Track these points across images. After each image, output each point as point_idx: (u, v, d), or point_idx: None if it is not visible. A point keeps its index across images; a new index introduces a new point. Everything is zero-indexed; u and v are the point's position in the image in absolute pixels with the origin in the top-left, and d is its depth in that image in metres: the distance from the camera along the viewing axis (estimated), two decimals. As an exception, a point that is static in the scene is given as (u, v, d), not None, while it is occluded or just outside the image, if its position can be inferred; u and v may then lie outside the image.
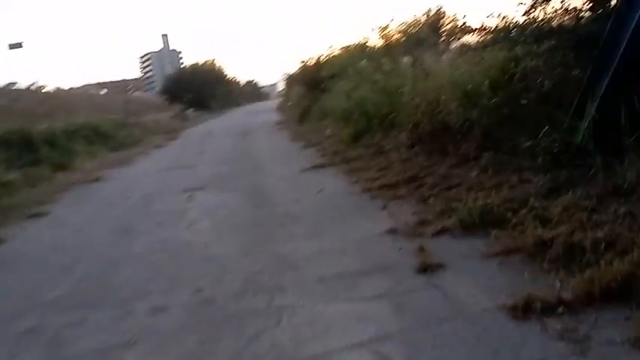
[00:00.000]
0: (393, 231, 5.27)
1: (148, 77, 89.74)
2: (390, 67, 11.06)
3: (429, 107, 7.91)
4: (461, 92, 7.22)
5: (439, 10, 25.27)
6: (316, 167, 9.82)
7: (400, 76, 10.50)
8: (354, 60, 13.52)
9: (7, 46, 57.78)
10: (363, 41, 17.35)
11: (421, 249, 4.63)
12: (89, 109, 29.76)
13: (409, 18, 22.53)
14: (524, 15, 6.23)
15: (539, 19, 6.17)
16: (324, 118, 17.68)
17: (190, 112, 36.25)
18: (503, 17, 6.38)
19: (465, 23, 11.19)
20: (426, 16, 25.60)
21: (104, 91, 48.20)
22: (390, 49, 14.08)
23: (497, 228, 4.72)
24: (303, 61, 21.18)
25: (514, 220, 4.74)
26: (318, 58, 20.81)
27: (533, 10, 6.11)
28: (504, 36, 6.32)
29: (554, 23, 5.99)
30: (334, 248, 5.04)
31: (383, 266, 4.43)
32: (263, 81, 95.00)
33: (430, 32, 25.20)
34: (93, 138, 19.24)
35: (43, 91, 44.55)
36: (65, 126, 18.78)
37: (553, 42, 5.76)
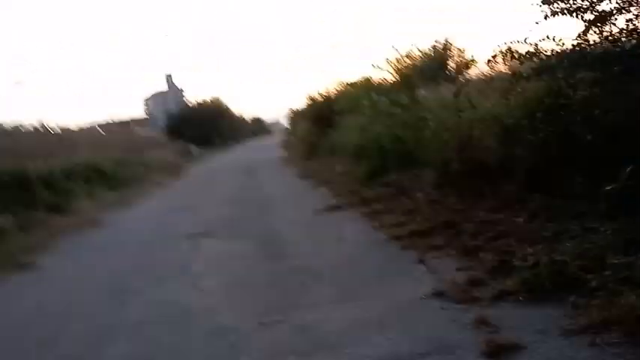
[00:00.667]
0: (439, 294, 4.34)
1: (150, 115, 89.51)
2: (408, 101, 10.26)
3: (459, 143, 7.04)
4: (499, 126, 6.35)
5: (447, 42, 24.77)
6: (331, 209, 8.93)
7: (420, 109, 9.67)
8: (364, 94, 12.73)
9: (10, 83, 57.67)
10: (370, 76, 16.67)
11: (482, 321, 3.70)
12: (92, 147, 29.08)
13: (413, 50, 21.92)
14: (577, 38, 5.38)
15: (595, 41, 5.32)
16: (333, 154, 16.85)
17: (194, 148, 35.51)
18: (553, 40, 5.50)
19: (472, 56, 10.55)
20: (433, 48, 25.04)
21: (103, 129, 47.64)
22: (400, 82, 13.34)
23: (573, 293, 3.80)
24: (310, 97, 20.54)
25: (594, 283, 3.82)
26: (325, 93, 20.10)
27: (588, 31, 5.26)
28: (554, 63, 5.45)
29: (617, 45, 5.14)
30: (372, 318, 4.09)
31: (440, 346, 3.47)
32: (266, 116, 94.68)
33: (437, 65, 24.58)
34: (93, 177, 18.35)
35: (45, 129, 44.26)
36: (63, 165, 17.98)
37: (616, 68, 4.91)
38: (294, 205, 10.08)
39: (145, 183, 18.99)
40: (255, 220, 9.04)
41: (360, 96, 12.96)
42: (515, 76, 6.29)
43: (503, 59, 6.48)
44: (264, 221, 8.85)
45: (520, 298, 3.99)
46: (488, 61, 6.51)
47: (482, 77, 10.52)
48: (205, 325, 4.48)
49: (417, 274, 4.98)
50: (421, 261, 5.31)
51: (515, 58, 6.29)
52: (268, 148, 32.03)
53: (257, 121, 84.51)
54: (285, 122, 78.24)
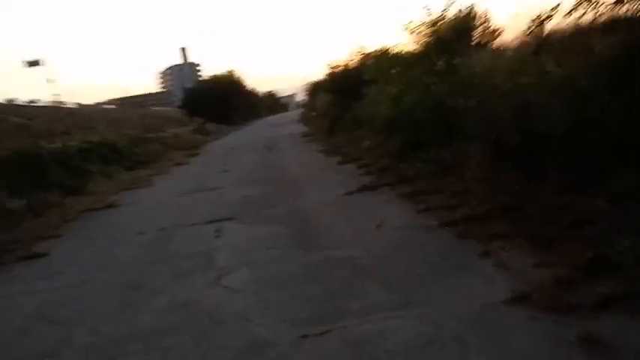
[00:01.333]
0: (522, 298, 3.51)
1: (167, 91, 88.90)
2: (446, 67, 9.32)
3: (516, 112, 6.12)
4: (569, 90, 5.42)
5: (471, 8, 23.49)
6: (365, 189, 8.09)
7: (461, 76, 8.73)
8: (395, 62, 11.76)
9: (25, 64, 57.16)
10: (394, 44, 15.64)
11: (592, 340, 2.87)
12: (108, 125, 28.46)
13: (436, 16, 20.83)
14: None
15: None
16: (358, 128, 15.96)
17: (211, 125, 34.79)
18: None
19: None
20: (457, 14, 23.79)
21: (119, 105, 47.11)
22: (430, 49, 12.33)
23: None
24: (331, 66, 19.53)
25: None
26: (349, 62, 19.10)
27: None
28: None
29: None
30: (443, 333, 3.28)
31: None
32: (281, 91, 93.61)
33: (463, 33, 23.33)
34: (109, 156, 17.71)
35: (60, 105, 43.61)
36: (79, 144, 17.33)
37: None
38: (322, 184, 9.25)
39: (163, 161, 18.32)
40: (282, 202, 8.24)
41: (389, 64, 11.98)
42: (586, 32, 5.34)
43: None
44: (292, 203, 8.05)
45: (632, 306, 3.15)
46: (569, 11, 5.58)
47: (522, 41, 9.52)
48: (236, 337, 3.70)
49: (484, 271, 4.15)
50: (486, 253, 4.48)
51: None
52: (286, 124, 31.18)
53: (272, 96, 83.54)
54: (300, 96, 77.30)
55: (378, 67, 13.48)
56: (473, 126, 7.47)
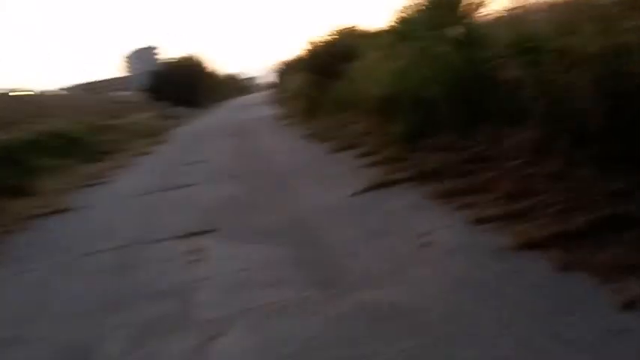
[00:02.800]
0: None
1: (129, 76, 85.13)
2: (463, 35, 7.62)
3: (603, 85, 4.43)
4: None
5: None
6: (377, 187, 6.34)
7: (486, 45, 7.05)
8: (401, 31, 9.96)
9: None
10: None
11: None
12: (66, 112, 25.99)
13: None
14: None
15: None
16: (344, 110, 14.17)
17: (176, 109, 32.49)
18: None
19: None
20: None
21: (79, 92, 44.14)
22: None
23: None
24: (310, 43, 17.63)
25: None
26: (331, 38, 17.20)
27: None
28: None
29: None
30: None
31: None
32: (248, 73, 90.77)
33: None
34: (64, 148, 15.57)
35: (15, 95, 40.47)
36: (28, 135, 15.15)
37: None
38: (320, 179, 7.48)
39: (126, 151, 16.23)
40: (273, 206, 6.46)
41: (390, 35, 10.17)
42: None
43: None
44: (287, 207, 6.26)
45: None
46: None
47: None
48: None
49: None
50: (628, 304, 2.78)
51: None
52: (257, 106, 29.14)
53: (237, 78, 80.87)
54: (268, 77, 74.85)
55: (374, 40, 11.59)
56: (508, 104, 5.79)
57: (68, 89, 46.34)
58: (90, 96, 47.53)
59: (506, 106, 6.29)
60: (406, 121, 8.47)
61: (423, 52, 8.27)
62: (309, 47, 18.37)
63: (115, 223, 7.14)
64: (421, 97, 8.28)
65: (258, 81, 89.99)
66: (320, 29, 17.64)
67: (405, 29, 9.24)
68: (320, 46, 17.79)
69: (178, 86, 39.33)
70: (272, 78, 44.14)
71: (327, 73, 16.62)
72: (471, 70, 7.26)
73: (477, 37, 7.48)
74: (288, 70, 32.32)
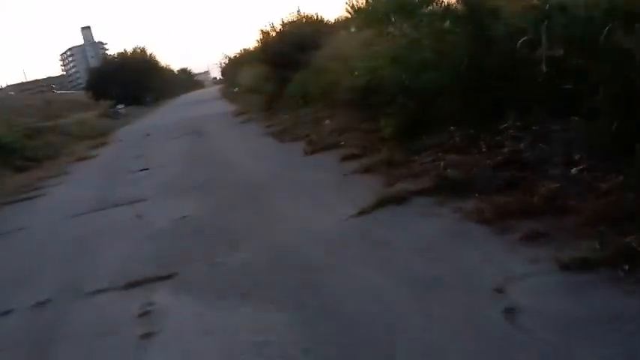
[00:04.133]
0: None
1: (72, 74, 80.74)
2: (466, 11, 6.14)
3: None
4: None
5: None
6: (388, 202, 4.75)
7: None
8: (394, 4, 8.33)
9: None
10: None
11: None
12: (3, 112, 23.30)
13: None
14: None
15: None
16: (306, 103, 12.56)
17: (121, 108, 30.03)
18: None
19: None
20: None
21: (12, 92, 40.82)
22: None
23: None
24: (264, 33, 15.80)
25: None
26: (284, 27, 15.49)
27: None
28: None
29: None
30: None
31: None
32: (196, 69, 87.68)
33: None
34: (-10, 155, 13.36)
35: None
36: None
37: None
38: (302, 192, 5.82)
39: (63, 157, 14.14)
40: (248, 233, 4.78)
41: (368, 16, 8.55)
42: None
43: None
44: (266, 235, 4.62)
45: None
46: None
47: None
48: None
49: None
50: None
51: None
52: (209, 102, 27.11)
53: (186, 73, 77.90)
54: (216, 73, 72.16)
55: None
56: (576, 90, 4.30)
57: (5, 88, 42.86)
58: (31, 96, 44.07)
59: (543, 92, 4.83)
60: (398, 114, 6.93)
61: (418, 30, 6.72)
62: (262, 37, 16.64)
63: (36, 262, 5.32)
64: (417, 84, 6.75)
65: (208, 76, 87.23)
66: (271, 20, 15.85)
67: (391, 5, 7.64)
68: (274, 35, 16.08)
69: (125, 82, 36.71)
70: (223, 72, 42.01)
71: (283, 64, 14.98)
72: (488, 49, 5.78)
73: (491, 8, 5.99)
74: (239, 63, 30.43)
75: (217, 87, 44.59)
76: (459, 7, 6.33)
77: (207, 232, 5.11)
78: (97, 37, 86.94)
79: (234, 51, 38.79)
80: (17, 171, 12.51)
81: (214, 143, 11.36)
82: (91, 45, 76.66)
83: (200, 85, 77.52)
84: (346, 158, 6.89)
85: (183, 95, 50.43)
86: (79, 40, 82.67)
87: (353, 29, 8.90)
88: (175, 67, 69.77)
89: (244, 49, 29.64)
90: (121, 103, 31.29)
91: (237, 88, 25.27)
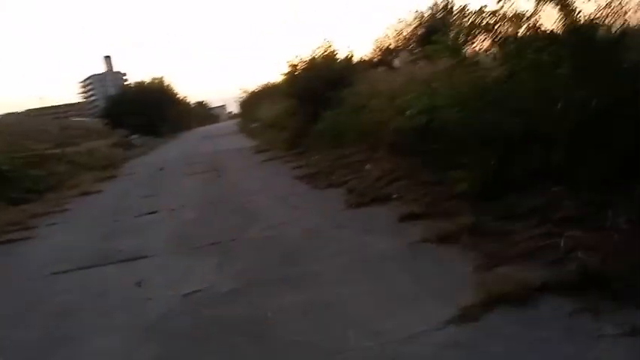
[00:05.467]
0: None
1: (91, 102, 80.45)
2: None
3: None
4: None
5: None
6: (502, 302, 3.16)
7: None
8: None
9: None
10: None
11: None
12: (14, 138, 22.06)
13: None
14: None
15: None
16: (341, 142, 11.05)
17: (135, 137, 28.77)
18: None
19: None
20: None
21: (34, 116, 39.83)
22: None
23: None
24: (291, 65, 14.43)
25: None
26: (315, 59, 14.12)
27: None
28: None
29: None
30: None
31: None
32: (212, 102, 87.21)
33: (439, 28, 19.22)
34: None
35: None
36: None
37: None
38: (358, 269, 4.24)
39: (65, 189, 12.65)
40: (297, 350, 3.21)
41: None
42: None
43: None
44: (333, 348, 3.05)
45: None
46: None
47: None
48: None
49: None
50: None
51: None
52: (226, 136, 25.78)
53: (203, 106, 77.31)
54: (232, 107, 71.43)
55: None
56: None
57: (18, 114, 41.95)
58: (49, 121, 43.05)
59: None
60: (476, 165, 5.38)
61: (515, 61, 5.22)
62: (290, 71, 15.23)
63: (13, 341, 3.76)
64: (499, 128, 5.23)
65: (224, 110, 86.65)
66: (291, 57, 14.56)
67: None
68: (303, 69, 14.70)
69: (142, 112, 35.63)
70: (240, 106, 40.93)
71: (312, 99, 13.57)
72: (614, 86, 4.26)
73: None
74: (259, 97, 29.24)
75: (234, 121, 43.48)
76: (567, 36, 4.84)
77: (230, 327, 3.53)
78: (117, 67, 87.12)
79: (252, 86, 37.74)
80: (12, 204, 11.01)
81: (234, 184, 9.84)
82: (111, 74, 76.61)
83: (216, 118, 76.84)
84: (406, 218, 5.33)
85: (200, 128, 49.34)
86: (100, 69, 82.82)
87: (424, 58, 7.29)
88: (192, 99, 68.93)
89: (267, 83, 28.55)
90: (136, 133, 30.05)
91: (256, 123, 23.94)
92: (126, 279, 4.92)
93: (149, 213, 8.09)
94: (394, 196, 6.28)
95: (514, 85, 5.19)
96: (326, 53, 14.20)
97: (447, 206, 5.34)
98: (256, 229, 6.10)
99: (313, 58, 14.14)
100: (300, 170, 9.80)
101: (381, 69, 14.67)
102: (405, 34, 17.87)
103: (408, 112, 7.27)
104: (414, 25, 17.97)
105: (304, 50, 17.17)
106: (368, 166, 8.38)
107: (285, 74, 15.14)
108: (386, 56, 18.02)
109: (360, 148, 9.84)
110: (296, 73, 14.43)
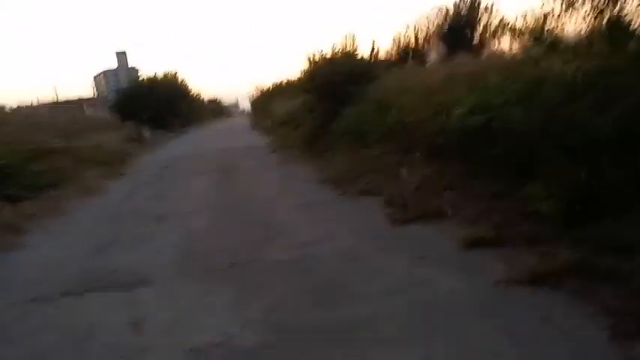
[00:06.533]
0: None
1: (105, 96, 79.37)
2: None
3: None
4: None
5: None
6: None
7: None
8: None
9: None
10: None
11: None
12: (24, 130, 20.99)
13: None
14: None
15: None
16: (362, 142, 9.85)
17: (147, 132, 27.66)
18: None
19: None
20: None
21: (48, 109, 38.71)
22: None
23: None
24: (311, 60, 13.22)
25: None
26: (336, 54, 12.92)
27: None
28: None
29: None
30: None
31: None
32: (225, 98, 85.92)
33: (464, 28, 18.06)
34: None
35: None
36: None
37: None
38: (429, 325, 3.10)
39: (68, 186, 11.48)
40: None
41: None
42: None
43: None
44: None
45: None
46: None
47: None
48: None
49: None
50: None
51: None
52: (238, 133, 24.58)
53: (215, 102, 76.10)
54: (244, 104, 70.25)
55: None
56: None
57: (31, 106, 40.91)
58: (61, 114, 41.98)
59: None
60: (562, 180, 4.17)
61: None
62: (309, 65, 14.01)
63: None
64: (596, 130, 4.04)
65: (237, 106, 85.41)
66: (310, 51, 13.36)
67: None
68: (323, 63, 13.48)
69: (154, 106, 34.54)
70: (255, 102, 39.77)
71: (334, 94, 12.38)
72: None
73: None
74: (273, 94, 28.08)
75: (246, 118, 42.29)
76: None
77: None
78: (131, 63, 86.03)
79: (266, 82, 36.66)
80: (7, 201, 9.90)
81: (249, 187, 8.66)
82: (124, 69, 75.43)
83: (228, 114, 75.68)
84: (473, 243, 4.14)
85: (212, 124, 48.16)
86: (113, 64, 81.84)
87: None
88: (205, 95, 67.61)
89: (282, 80, 27.38)
90: (147, 127, 28.93)
91: (270, 120, 22.77)
92: (118, 315, 3.77)
93: (154, 219, 6.95)
94: (448, 211, 5.10)
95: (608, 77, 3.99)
96: (348, 48, 13.00)
97: (522, 230, 4.16)
98: (279, 246, 4.94)
99: (335, 52, 12.93)
100: (322, 173, 8.62)
101: (409, 64, 13.45)
102: (428, 31, 16.65)
103: (457, 111, 6.07)
104: (438, 22, 16.73)
105: (324, 45, 16.03)
106: (404, 171, 7.19)
107: (305, 69, 13.93)
108: (408, 52, 16.80)
109: (389, 149, 8.65)
110: (316, 67, 13.21)
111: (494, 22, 16.61)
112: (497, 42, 16.00)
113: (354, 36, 13.23)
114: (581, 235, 3.74)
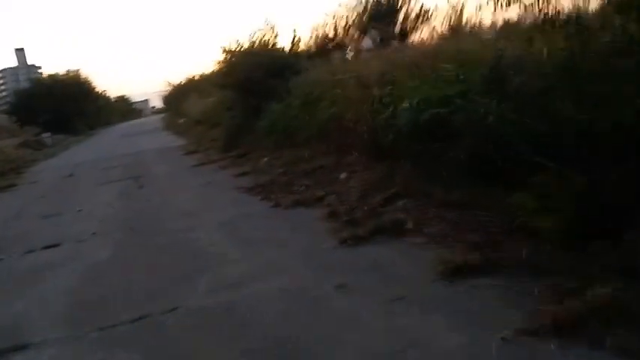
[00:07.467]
0: None
1: (2, 97, 72.90)
2: None
3: None
4: None
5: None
6: None
7: None
8: None
9: None
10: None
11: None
12: None
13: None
14: None
15: None
16: (294, 141, 8.77)
17: (47, 136, 24.99)
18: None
19: None
20: None
21: None
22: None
23: None
24: (227, 51, 11.84)
25: None
26: (252, 43, 11.67)
27: None
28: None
29: None
30: None
31: None
32: (134, 97, 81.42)
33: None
34: None
35: None
36: None
37: None
38: None
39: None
40: None
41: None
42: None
43: None
44: None
45: None
46: None
47: None
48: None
49: None
50: None
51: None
52: (150, 133, 22.68)
53: (124, 101, 71.94)
54: (155, 101, 66.79)
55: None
56: None
57: None
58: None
59: None
60: (565, 192, 3.29)
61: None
62: (225, 58, 12.67)
63: None
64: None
65: (147, 104, 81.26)
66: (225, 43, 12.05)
67: None
68: (241, 57, 12.22)
69: (55, 108, 31.58)
70: (165, 101, 37.51)
71: (254, 89, 11.18)
72: None
73: None
74: (186, 90, 26.34)
75: (158, 116, 39.95)
76: None
77: None
78: (31, 61, 79.82)
79: (178, 78, 34.54)
80: None
81: (162, 198, 7.34)
82: (24, 68, 69.62)
83: (139, 113, 71.84)
84: (456, 271, 3.18)
85: (121, 124, 45.10)
86: (12, 62, 75.43)
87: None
88: (113, 93, 63.54)
89: (195, 75, 25.68)
90: (49, 131, 26.25)
91: (183, 119, 21.13)
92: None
93: (45, 247, 5.52)
94: (408, 226, 4.13)
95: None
96: (267, 38, 11.83)
97: (512, 251, 3.26)
98: (202, 285, 3.77)
99: (252, 43, 11.72)
100: (245, 179, 7.46)
101: (338, 55, 12.48)
102: (348, 20, 15.76)
103: (405, 104, 5.12)
104: (358, 11, 15.88)
105: (241, 36, 14.79)
106: (343, 175, 6.19)
107: (220, 62, 12.58)
108: (328, 43, 15.87)
109: (320, 149, 7.66)
110: (232, 59, 11.93)
111: (415, 10, 15.96)
112: (419, 31, 15.42)
113: (273, 26, 12.10)
114: (585, 258, 2.90)
